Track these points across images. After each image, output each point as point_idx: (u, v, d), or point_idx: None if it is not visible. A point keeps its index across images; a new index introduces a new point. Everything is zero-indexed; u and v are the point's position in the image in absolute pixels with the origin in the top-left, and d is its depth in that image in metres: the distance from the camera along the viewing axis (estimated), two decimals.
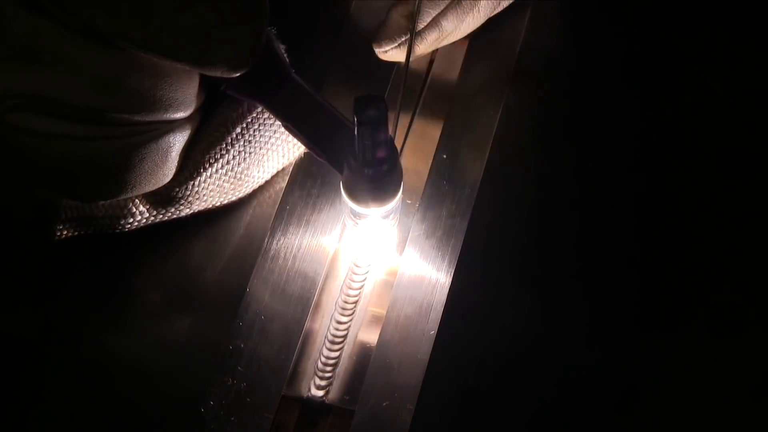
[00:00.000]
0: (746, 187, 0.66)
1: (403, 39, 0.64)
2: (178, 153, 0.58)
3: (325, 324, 0.64)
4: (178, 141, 0.57)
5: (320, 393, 0.62)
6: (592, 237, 0.65)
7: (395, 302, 0.62)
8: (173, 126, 0.56)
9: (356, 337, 0.63)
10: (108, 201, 0.60)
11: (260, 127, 0.61)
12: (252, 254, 0.64)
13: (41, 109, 0.51)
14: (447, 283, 0.63)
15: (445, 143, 0.67)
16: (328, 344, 0.62)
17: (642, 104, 0.69)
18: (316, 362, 0.62)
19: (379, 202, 0.57)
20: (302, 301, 0.62)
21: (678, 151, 0.67)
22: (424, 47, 0.66)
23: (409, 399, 0.59)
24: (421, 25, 0.64)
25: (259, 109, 0.61)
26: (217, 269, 0.64)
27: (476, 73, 0.69)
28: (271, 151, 0.63)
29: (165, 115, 0.54)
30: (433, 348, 0.60)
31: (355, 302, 0.64)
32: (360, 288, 0.64)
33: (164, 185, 0.59)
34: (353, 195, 0.56)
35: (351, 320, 0.63)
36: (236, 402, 0.59)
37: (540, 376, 0.61)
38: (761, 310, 0.62)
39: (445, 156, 0.66)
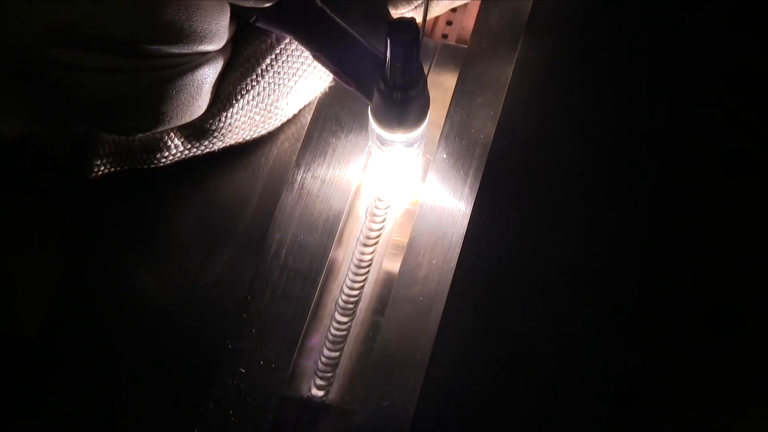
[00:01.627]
0: (745, 187, 0.66)
1: (419, 1, 0.65)
2: (212, 85, 0.60)
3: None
4: (211, 73, 0.59)
5: (320, 393, 0.62)
6: (592, 235, 0.65)
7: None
8: (207, 58, 0.58)
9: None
10: (145, 134, 0.62)
11: (288, 59, 0.63)
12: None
13: (80, 43, 0.53)
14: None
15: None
16: (328, 344, 0.62)
17: (639, 103, 0.69)
18: (316, 362, 0.62)
19: (405, 128, 0.58)
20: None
21: (677, 149, 0.67)
22: (439, 9, 0.67)
23: (409, 399, 0.59)
24: None
25: (287, 41, 0.63)
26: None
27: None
28: (298, 83, 0.65)
29: (199, 47, 0.57)
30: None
31: (360, 296, 0.64)
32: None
33: (198, 117, 0.61)
34: (381, 120, 0.58)
35: (351, 320, 0.63)
36: (236, 402, 0.59)
37: (539, 374, 0.61)
38: (761, 310, 0.62)
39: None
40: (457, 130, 0.67)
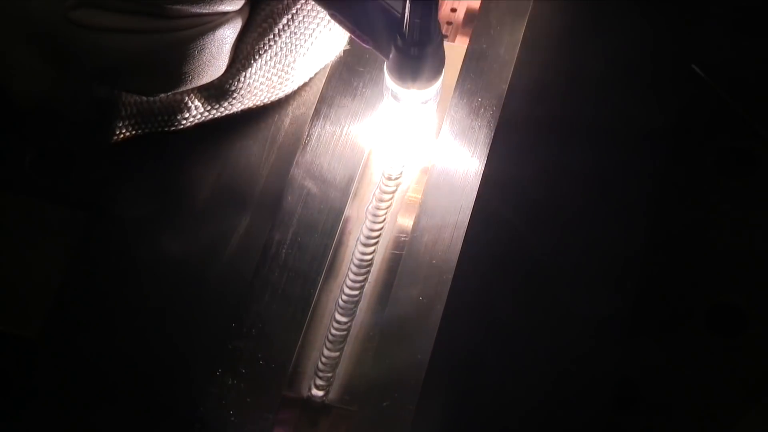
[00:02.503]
0: (745, 187, 0.66)
1: None
2: (231, 45, 0.61)
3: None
4: (231, 33, 0.60)
5: (320, 393, 0.62)
6: (591, 235, 0.65)
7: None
8: (227, 18, 0.59)
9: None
10: (166, 95, 0.63)
11: (304, 19, 0.64)
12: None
13: (103, 4, 0.54)
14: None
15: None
16: (328, 344, 0.62)
17: (640, 102, 0.69)
18: (316, 362, 0.62)
19: (420, 84, 0.58)
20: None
21: (677, 149, 0.67)
22: None
23: (409, 399, 0.59)
24: None
25: (303, 1, 0.63)
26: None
27: None
28: (314, 45, 0.66)
29: (219, 7, 0.58)
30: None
31: (360, 296, 0.64)
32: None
33: (218, 78, 0.62)
34: (396, 76, 0.58)
35: (351, 320, 0.63)
36: (236, 402, 0.59)
37: (539, 374, 0.61)
38: (761, 310, 0.62)
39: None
40: (457, 130, 0.67)
